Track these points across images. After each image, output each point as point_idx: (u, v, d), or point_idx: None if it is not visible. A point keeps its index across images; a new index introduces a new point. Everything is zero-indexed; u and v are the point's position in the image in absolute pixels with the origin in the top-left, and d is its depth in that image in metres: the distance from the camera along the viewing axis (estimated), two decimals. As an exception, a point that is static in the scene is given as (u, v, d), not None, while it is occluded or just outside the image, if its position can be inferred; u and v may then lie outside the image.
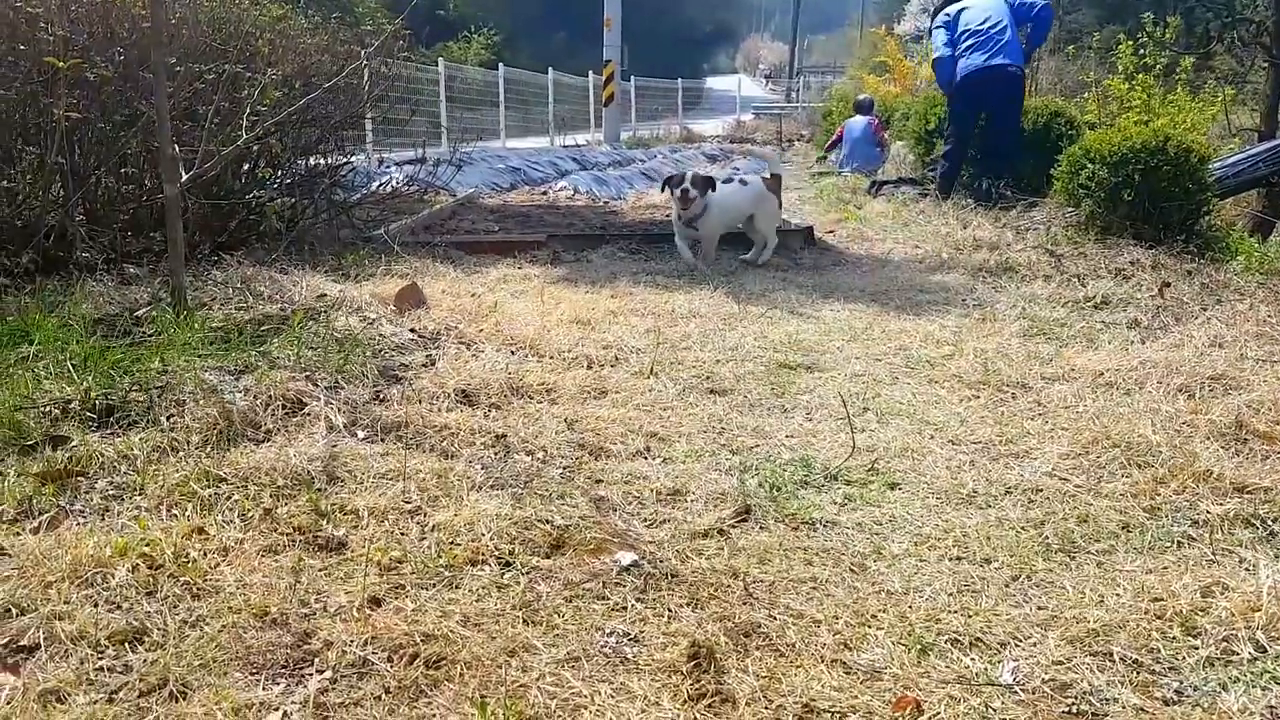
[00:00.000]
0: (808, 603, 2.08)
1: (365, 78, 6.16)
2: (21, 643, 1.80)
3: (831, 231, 7.36)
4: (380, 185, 10.30)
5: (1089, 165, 6.34)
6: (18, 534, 2.21)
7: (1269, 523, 2.43)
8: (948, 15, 8.14)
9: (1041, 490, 2.68)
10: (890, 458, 2.91)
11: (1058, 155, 7.24)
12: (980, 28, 7.82)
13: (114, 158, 4.88)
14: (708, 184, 5.73)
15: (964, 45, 7.88)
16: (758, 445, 3.00)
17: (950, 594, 2.13)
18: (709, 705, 1.72)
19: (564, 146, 20.69)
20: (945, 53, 8.10)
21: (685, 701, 1.73)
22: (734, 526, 2.43)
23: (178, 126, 4.86)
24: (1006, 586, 2.18)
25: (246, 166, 5.49)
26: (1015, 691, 1.79)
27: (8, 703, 1.63)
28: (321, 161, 6.13)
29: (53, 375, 3.13)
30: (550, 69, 23.56)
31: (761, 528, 2.43)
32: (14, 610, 1.88)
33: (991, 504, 2.61)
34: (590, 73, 24.41)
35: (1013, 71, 7.80)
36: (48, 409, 2.88)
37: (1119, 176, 6.13)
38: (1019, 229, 6.96)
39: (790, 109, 29.95)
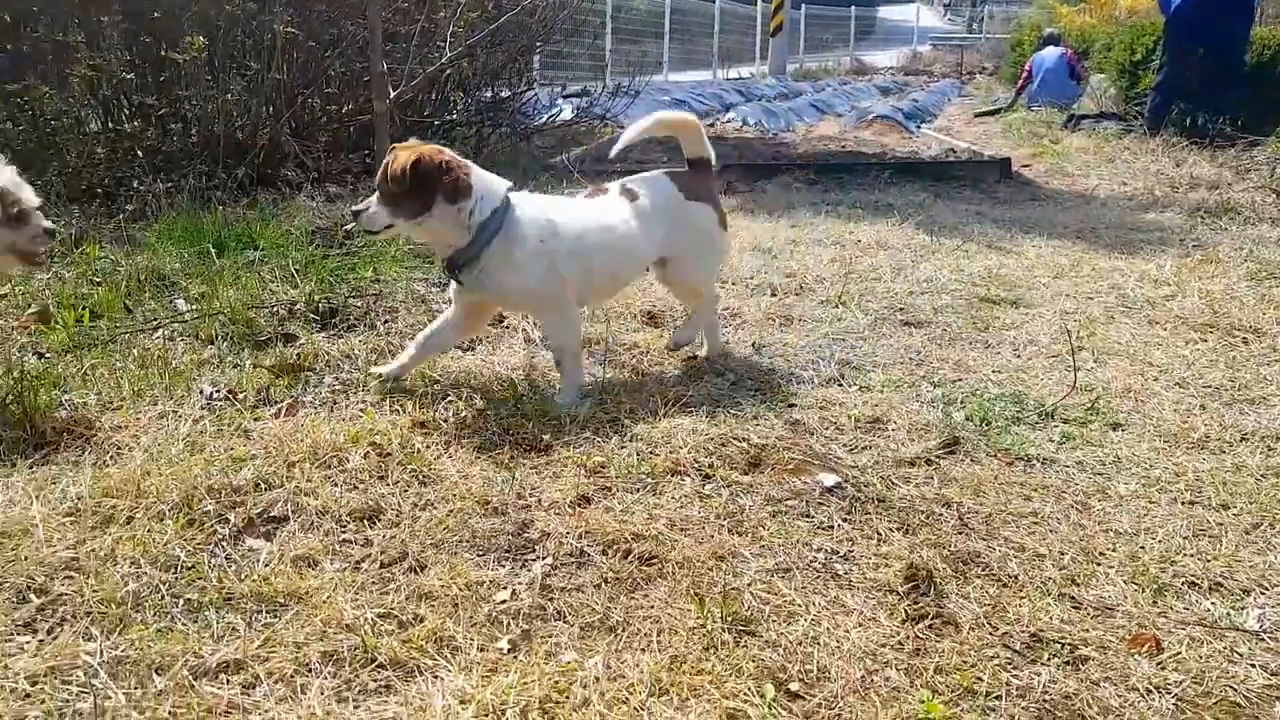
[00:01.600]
0: (1029, 536, 2.00)
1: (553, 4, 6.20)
2: (272, 514, 1.96)
3: (1027, 165, 6.92)
4: (550, 117, 10.51)
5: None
6: (258, 419, 2.40)
7: None
8: None
9: None
10: (1111, 398, 2.74)
11: None
12: None
13: (321, 79, 5.13)
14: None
15: None
16: (961, 379, 2.89)
17: (1185, 537, 2.01)
18: (929, 626, 1.70)
19: (727, 79, 20.32)
20: None
21: (904, 621, 1.70)
22: (942, 457, 2.35)
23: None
24: (1247, 533, 2.03)
25: (438, 92, 5.65)
26: (1262, 638, 1.67)
27: (266, 565, 1.78)
28: (506, 91, 6.24)
29: (278, 279, 3.37)
30: (718, -2, 23.00)
31: (972, 460, 2.34)
32: (263, 485, 2.05)
33: (1226, 450, 2.43)
34: (759, 1, 23.67)
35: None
36: (276, 309, 3.10)
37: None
38: (1239, 169, 6.34)
39: (972, 40, 28.15)
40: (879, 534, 2.00)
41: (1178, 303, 3.55)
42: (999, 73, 20.02)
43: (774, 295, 3.64)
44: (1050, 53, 12.20)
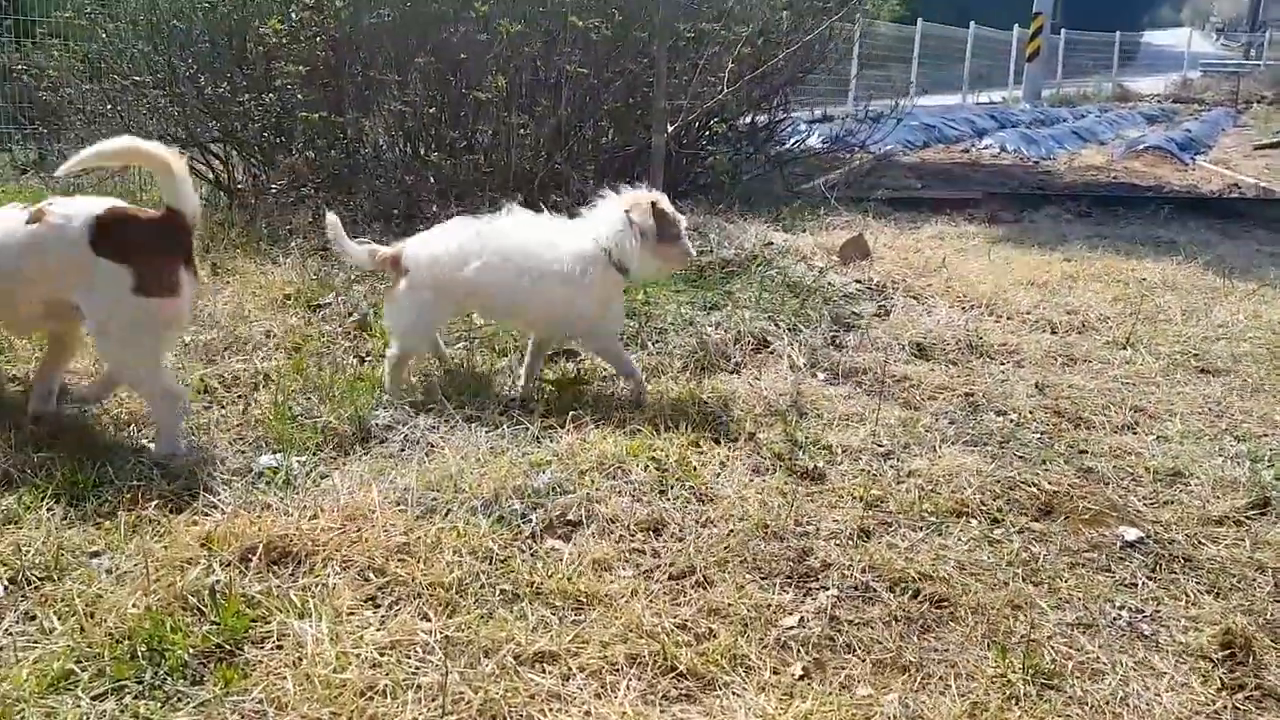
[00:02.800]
0: (1358, 612, 1.80)
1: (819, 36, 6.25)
2: (569, 517, 2.11)
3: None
4: (797, 143, 10.56)
5: None
6: (549, 428, 2.58)
7: None
8: None
9: None
10: None
11: None
12: None
13: (598, 112, 5.46)
14: None
15: None
16: (1268, 434, 2.64)
17: None
18: (1249, 698, 1.57)
19: (978, 104, 19.51)
20: None
21: (1220, 689, 1.59)
22: (1252, 518, 2.16)
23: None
24: None
25: (698, 123, 5.84)
26: None
27: (568, 565, 1.92)
28: (763, 117, 6.35)
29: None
30: (971, 23, 22.19)
31: (1287, 524, 2.13)
32: (558, 489, 2.21)
33: None
34: (1015, 25, 22.60)
35: None
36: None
37: None
38: None
39: (1249, 67, 25.38)
40: (1187, 595, 1.87)
41: None
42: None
43: (1054, 333, 3.48)
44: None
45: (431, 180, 4.81)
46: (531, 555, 1.94)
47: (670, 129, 4.09)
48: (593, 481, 2.25)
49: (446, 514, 2.03)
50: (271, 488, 2.12)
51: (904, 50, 20.77)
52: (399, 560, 1.86)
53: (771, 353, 3.19)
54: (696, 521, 2.11)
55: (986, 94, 20.90)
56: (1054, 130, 12.37)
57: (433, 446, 2.36)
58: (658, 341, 3.23)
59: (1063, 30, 25.24)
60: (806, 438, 2.53)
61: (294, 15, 4.42)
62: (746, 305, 3.52)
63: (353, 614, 1.71)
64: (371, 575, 1.84)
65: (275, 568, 1.85)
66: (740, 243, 4.43)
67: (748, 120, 6.20)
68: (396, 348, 2.71)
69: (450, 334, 3.24)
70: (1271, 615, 1.79)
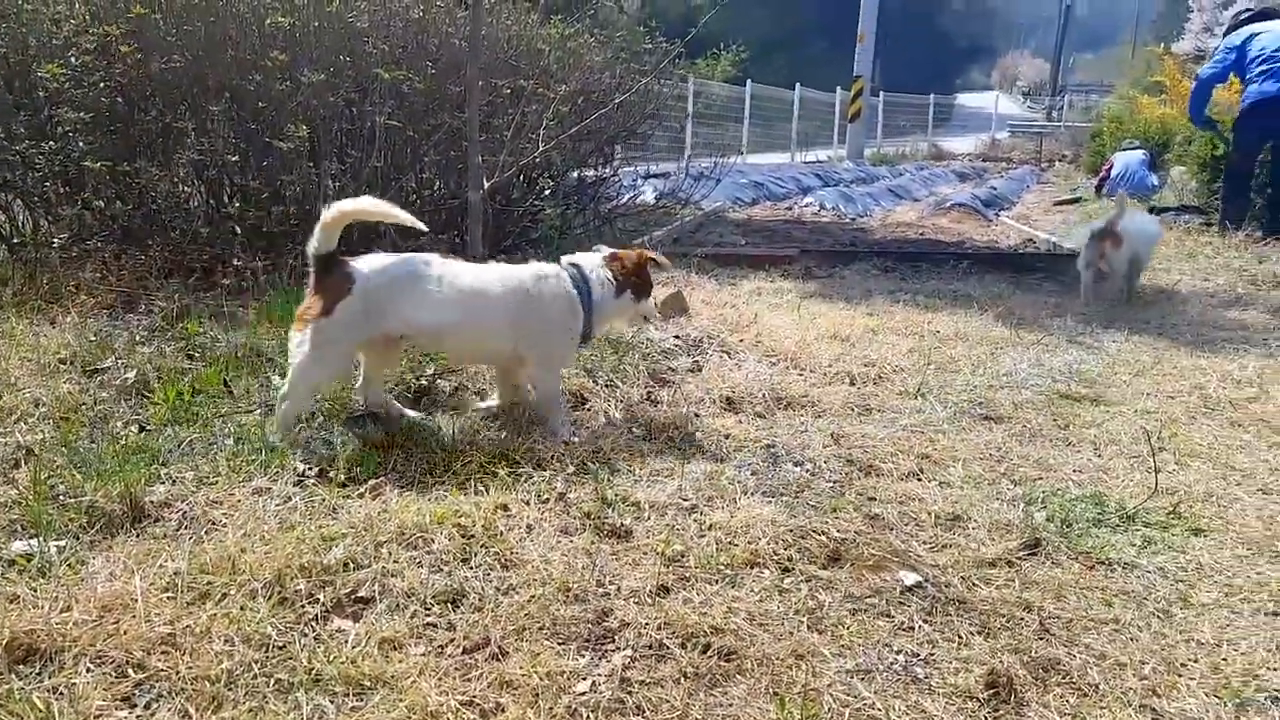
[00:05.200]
0: (1110, 644, 1.96)
1: (640, 95, 6.45)
2: (360, 594, 2.03)
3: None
4: (631, 198, 10.80)
5: None
6: (348, 497, 2.49)
7: None
8: (1233, 43, 7.54)
9: None
10: (1193, 502, 2.68)
11: None
12: (1276, 54, 7.26)
13: (416, 165, 5.41)
14: None
15: (1256, 70, 7.34)
16: (1042, 478, 2.85)
17: (1268, 650, 1.95)
18: (1009, 737, 1.67)
19: (805, 162, 20.64)
20: (1208, 73, 7.76)
21: (983, 730, 1.68)
22: (1023, 559, 2.32)
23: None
24: (1335, 651, 1.95)
25: (525, 177, 5.88)
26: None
27: (354, 646, 1.84)
28: (590, 173, 6.47)
29: (369, 359, 3.50)
30: (797, 85, 23.52)
31: (1053, 563, 2.31)
32: (352, 564, 2.13)
33: (1316, 562, 2.34)
34: (838, 88, 24.12)
35: None
36: (367, 388, 3.23)
37: None
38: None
39: (1051, 128, 28.10)
40: (960, 637, 1.98)
41: (1260, 405, 3.46)
42: (1078, 161, 19.89)
43: (852, 384, 3.65)
44: (1133, 154, 12.25)
45: (236, 232, 4.61)
46: (314, 639, 1.84)
47: (487, 185, 4.08)
48: (390, 554, 2.18)
49: (221, 599, 1.91)
50: (23, 577, 1.94)
51: (736, 110, 21.74)
52: (162, 653, 1.73)
53: (588, 409, 3.22)
54: (497, 589, 2.07)
55: (813, 153, 22.15)
56: (872, 188, 13.21)
57: (214, 524, 2.22)
58: (474, 403, 3.19)
59: (881, 93, 27.15)
60: (616, 495, 2.55)
61: (74, 60, 4.17)
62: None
63: (103, 716, 1.57)
64: (130, 671, 1.70)
65: (20, 667, 1.68)
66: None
67: (576, 176, 6.30)
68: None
69: (245, 398, 3.09)
70: (1035, 653, 1.92)
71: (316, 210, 4.10)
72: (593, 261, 3.05)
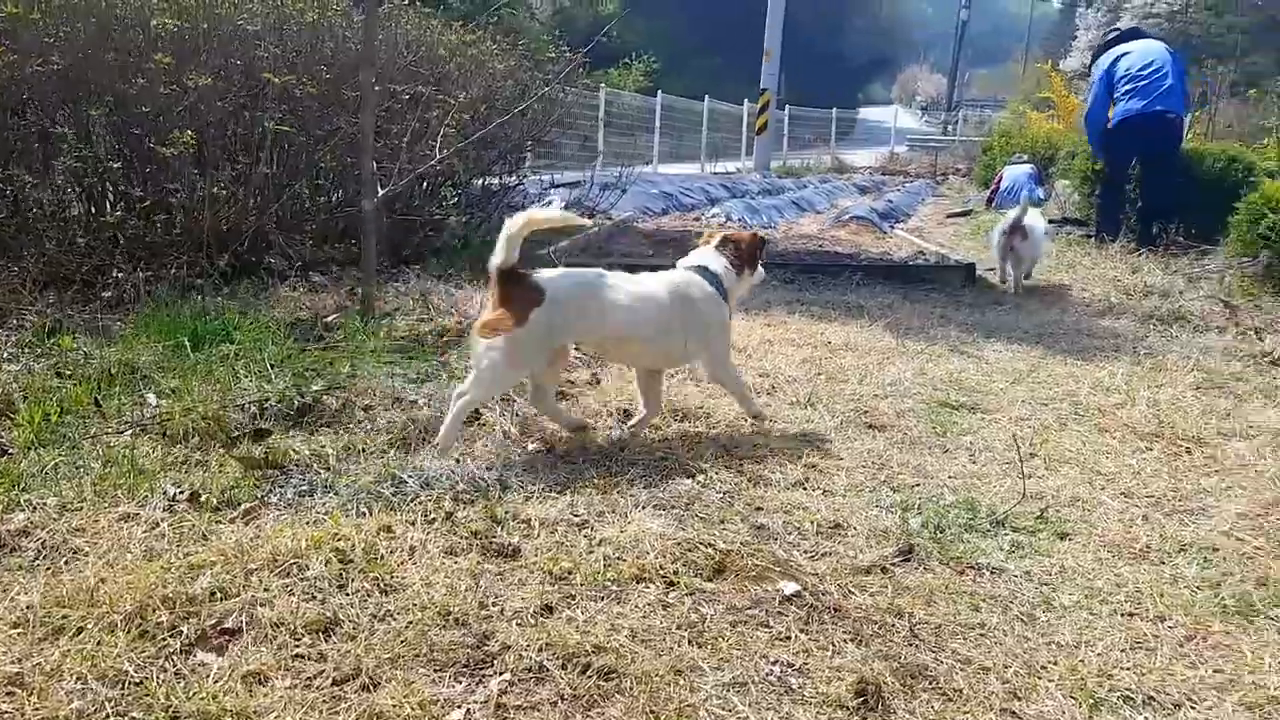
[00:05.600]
0: (975, 649, 2.04)
1: (542, 103, 6.44)
2: (226, 625, 1.97)
3: (993, 269, 7.13)
4: (539, 206, 10.76)
5: (1270, 215, 5.92)
6: (220, 522, 2.42)
7: None
8: (1102, 67, 8.03)
9: (1218, 549, 2.55)
10: (1060, 506, 2.82)
11: (1234, 202, 6.83)
12: (1140, 73, 7.68)
13: (310, 171, 5.29)
14: None
15: (1122, 90, 7.74)
16: (919, 484, 2.96)
17: (1122, 650, 2.06)
18: (876, 743, 1.72)
19: (714, 173, 20.91)
20: (1095, 112, 8.08)
21: (851, 737, 1.73)
22: (897, 565, 2.40)
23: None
24: (1181, 646, 2.08)
25: (428, 185, 5.81)
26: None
27: (215, 682, 1.78)
28: (495, 182, 6.42)
29: (252, 374, 3.41)
30: (706, 96, 23.83)
31: (925, 569, 2.39)
32: (219, 594, 2.06)
33: (1165, 560, 2.50)
34: (745, 100, 24.53)
35: (1171, 118, 7.64)
36: (247, 406, 3.14)
37: (1306, 225, 5.70)
38: (1191, 277, 6.58)
39: (946, 142, 29.16)
40: (833, 645, 2.03)
41: (1127, 411, 3.66)
42: (971, 174, 20.69)
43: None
44: (1021, 167, 12.81)
45: (118, 242, 4.43)
46: (174, 674, 1.78)
47: (382, 193, 4.01)
48: (261, 582, 2.12)
49: (77, 634, 1.83)
50: None
51: (648, 120, 21.90)
52: (7, 694, 1.64)
53: (483, 424, 3.19)
54: (374, 616, 2.03)
55: (723, 164, 22.45)
56: (777, 200, 13.46)
57: (75, 553, 2.13)
58: (362, 420, 3.13)
59: (787, 106, 27.73)
60: (507, 513, 2.54)
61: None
62: (462, 375, 3.49)
63: (-60, 763, 1.49)
64: (-27, 713, 1.61)
65: None
66: (465, 310, 4.43)
67: (481, 184, 6.25)
68: None
69: (118, 418, 2.96)
70: (904, 659, 1.98)
71: (203, 219, 3.97)
72: (709, 255, 3.39)
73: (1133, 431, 3.46)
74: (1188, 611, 2.22)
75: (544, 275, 2.96)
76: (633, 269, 6.17)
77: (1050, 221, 9.46)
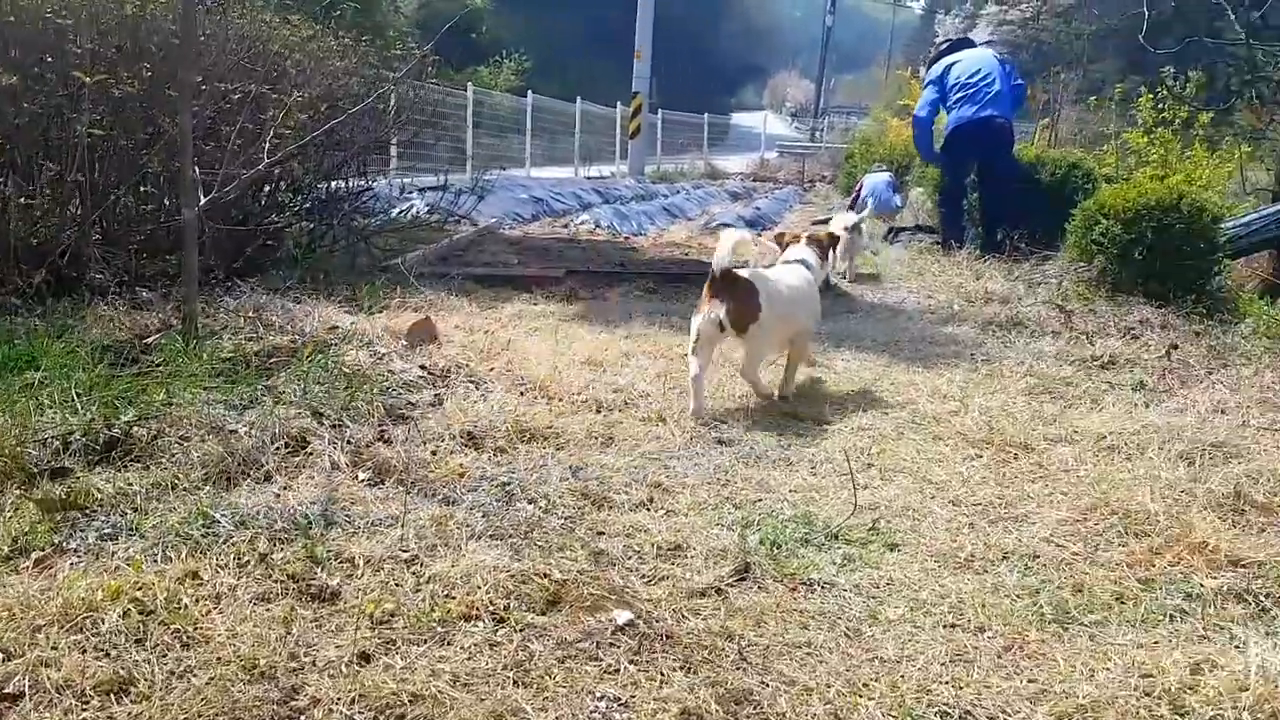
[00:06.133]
0: (801, 669, 2.05)
1: (392, 102, 6.24)
2: (6, 690, 1.80)
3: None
4: (402, 212, 10.47)
5: (1103, 221, 6.32)
6: (9, 573, 2.21)
7: (1261, 598, 2.40)
8: (934, 76, 8.36)
9: (1039, 556, 2.66)
10: (891, 517, 2.89)
11: (1074, 208, 7.26)
12: (970, 80, 8.01)
13: (134, 177, 4.95)
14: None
15: (954, 98, 8.06)
16: (761, 499, 2.99)
17: (943, 663, 2.11)
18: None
19: (588, 178, 20.92)
20: (923, 113, 8.34)
21: (670, 774, 1.70)
22: (732, 585, 2.40)
23: (199, 146, 4.92)
24: (999, 657, 2.15)
25: (267, 189, 5.53)
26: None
27: (-10, 751, 1.62)
28: (342, 186, 6.19)
29: (57, 404, 3.13)
30: (579, 98, 23.80)
31: (760, 587, 2.41)
32: (1, 655, 1.88)
33: (988, 569, 2.58)
34: (619, 103, 24.62)
35: (1000, 123, 7.97)
36: (49, 440, 2.88)
37: (1132, 233, 6.11)
38: (1031, 282, 6.95)
39: (814, 149, 30.09)
40: (662, 675, 2.00)
41: (960, 419, 3.81)
42: (836, 181, 21.40)
43: (599, 412, 3.68)
44: (880, 176, 13.29)
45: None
46: (-67, 753, 1.60)
47: (204, 201, 3.78)
48: (49, 639, 1.94)
49: None
50: None
51: (520, 121, 21.71)
52: None
53: (310, 454, 3.03)
54: (172, 672, 1.89)
55: (597, 168, 22.49)
56: (649, 206, 13.57)
57: None
58: (175, 453, 2.91)
59: (660, 110, 28.03)
60: (329, 552, 2.41)
61: None
62: (290, 400, 3.33)
63: None
64: None
65: None
66: (301, 327, 4.23)
67: (326, 189, 5.98)
68: None
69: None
70: (731, 684, 1.97)
71: (13, 231, 3.64)
72: (806, 251, 4.34)
73: (965, 439, 3.59)
74: (1006, 621, 2.30)
75: (747, 274, 3.83)
76: (490, 280, 6.09)
77: (903, 229, 9.87)
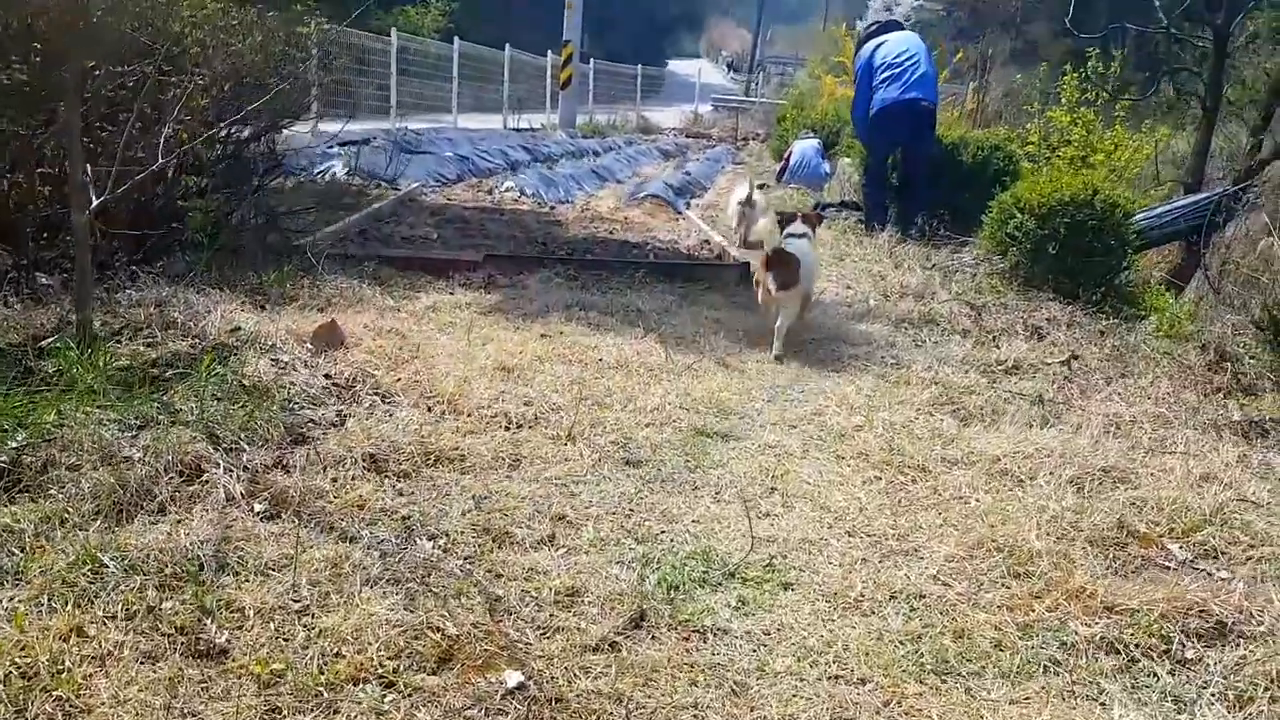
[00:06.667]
0: (685, 735, 2.12)
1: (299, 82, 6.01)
2: None
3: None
4: (320, 173, 10.14)
5: (1018, 215, 6.48)
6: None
7: (1131, 648, 2.53)
8: (861, 60, 8.53)
9: (925, 597, 2.74)
10: (789, 550, 2.95)
11: (995, 190, 7.46)
12: (895, 61, 8.19)
13: (30, 159, 4.70)
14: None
15: (880, 79, 8.22)
16: (664, 531, 3.02)
17: (824, 721, 2.19)
18: None
19: (516, 129, 20.51)
20: (859, 113, 8.60)
21: None
22: (627, 636, 2.45)
23: (95, 132, 4.68)
24: (878, 714, 2.24)
25: (173, 170, 5.30)
26: None
27: None
28: (252, 160, 5.95)
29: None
30: (507, 45, 23.21)
31: (653, 637, 2.45)
32: None
33: (876, 610, 2.66)
34: (549, 52, 24.09)
35: (925, 105, 8.19)
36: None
37: (1046, 229, 6.29)
38: (948, 271, 7.13)
39: (748, 103, 29.96)
40: (548, 744, 2.05)
41: (864, 435, 3.90)
42: (769, 142, 21.39)
43: (508, 429, 3.65)
44: (809, 143, 13.36)
45: None
46: None
47: (95, 204, 3.61)
48: (-87, 716, 1.89)
49: None
50: None
51: (447, 68, 21.13)
52: None
53: (206, 483, 2.96)
54: (50, 751, 1.86)
55: (527, 118, 22.02)
56: (577, 167, 13.37)
57: None
58: (67, 483, 2.82)
59: (592, 60, 27.53)
60: (219, 601, 2.38)
61: None
62: (186, 419, 3.24)
63: None
64: None
65: None
66: (203, 328, 4.09)
67: (223, 156, 5.71)
68: None
69: None
70: (616, 747, 2.03)
71: None
72: (803, 227, 5.46)
73: (866, 460, 3.69)
74: (888, 672, 2.38)
75: (788, 246, 5.22)
76: (405, 265, 5.94)
77: (829, 205, 9.96)
